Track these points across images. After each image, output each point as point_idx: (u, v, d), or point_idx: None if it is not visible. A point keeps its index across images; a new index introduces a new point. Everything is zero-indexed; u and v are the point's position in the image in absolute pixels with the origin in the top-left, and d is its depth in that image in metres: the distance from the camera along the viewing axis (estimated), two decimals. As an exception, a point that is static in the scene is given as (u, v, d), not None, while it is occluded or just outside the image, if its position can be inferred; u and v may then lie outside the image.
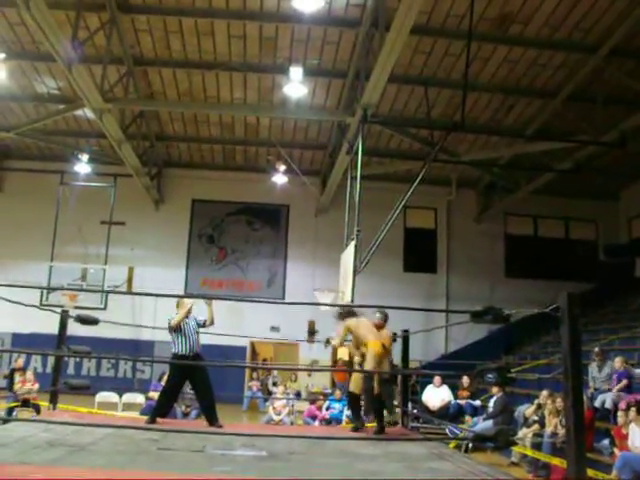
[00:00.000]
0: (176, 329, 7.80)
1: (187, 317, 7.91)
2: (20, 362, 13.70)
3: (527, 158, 16.87)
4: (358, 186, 12.90)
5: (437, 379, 14.10)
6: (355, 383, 7.99)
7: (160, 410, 7.87)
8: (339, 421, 12.99)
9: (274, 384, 19.23)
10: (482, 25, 12.72)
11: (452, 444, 9.99)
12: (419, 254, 21.12)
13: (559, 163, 15.98)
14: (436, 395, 13.90)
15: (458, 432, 10.95)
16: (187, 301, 8.03)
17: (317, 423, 13.16)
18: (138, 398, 13.04)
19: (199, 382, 7.91)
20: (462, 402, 13.80)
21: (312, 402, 14.28)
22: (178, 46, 14.40)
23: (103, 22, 13.07)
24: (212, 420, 7.66)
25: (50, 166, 20.14)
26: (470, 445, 10.72)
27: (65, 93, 15.99)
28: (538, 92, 15.34)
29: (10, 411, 11.62)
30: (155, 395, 10.55)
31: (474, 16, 11.09)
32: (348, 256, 13.05)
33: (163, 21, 13.52)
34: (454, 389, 14.25)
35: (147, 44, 14.41)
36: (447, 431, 11.62)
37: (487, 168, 18.48)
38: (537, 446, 9.73)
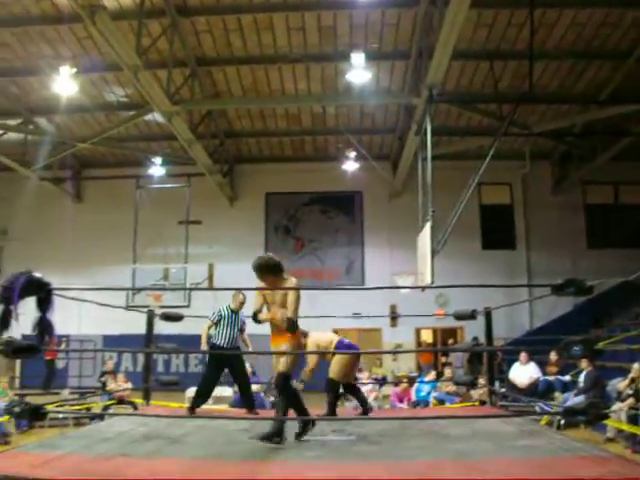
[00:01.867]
0: (217, 322, 8.28)
1: (236, 311, 8.35)
2: (110, 364, 14.18)
3: (602, 124, 16.24)
4: (429, 167, 12.79)
5: (523, 356, 13.80)
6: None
7: (200, 398, 8.14)
8: (427, 403, 12.93)
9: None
10: (545, -10, 12.36)
11: (543, 421, 9.80)
12: (497, 231, 20.79)
13: (637, 126, 15.34)
14: (523, 372, 13.62)
15: (549, 409, 10.72)
16: (240, 296, 8.37)
17: (405, 405, 13.13)
18: (227, 391, 13.28)
19: (237, 373, 8.39)
20: (551, 378, 13.48)
21: (395, 385, 14.27)
22: (239, 43, 14.57)
23: (164, 27, 13.37)
24: (250, 407, 8.05)
25: (126, 171, 20.74)
26: (562, 422, 10.47)
27: (134, 100, 16.45)
28: (610, 54, 14.71)
29: (106, 409, 12.08)
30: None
31: (536, -18, 10.80)
32: (425, 238, 12.97)
33: (222, 20, 13.72)
34: (542, 365, 13.95)
35: (208, 44, 14.64)
36: (537, 408, 11.39)
37: (561, 138, 17.94)
38: (634, 420, 9.43)
